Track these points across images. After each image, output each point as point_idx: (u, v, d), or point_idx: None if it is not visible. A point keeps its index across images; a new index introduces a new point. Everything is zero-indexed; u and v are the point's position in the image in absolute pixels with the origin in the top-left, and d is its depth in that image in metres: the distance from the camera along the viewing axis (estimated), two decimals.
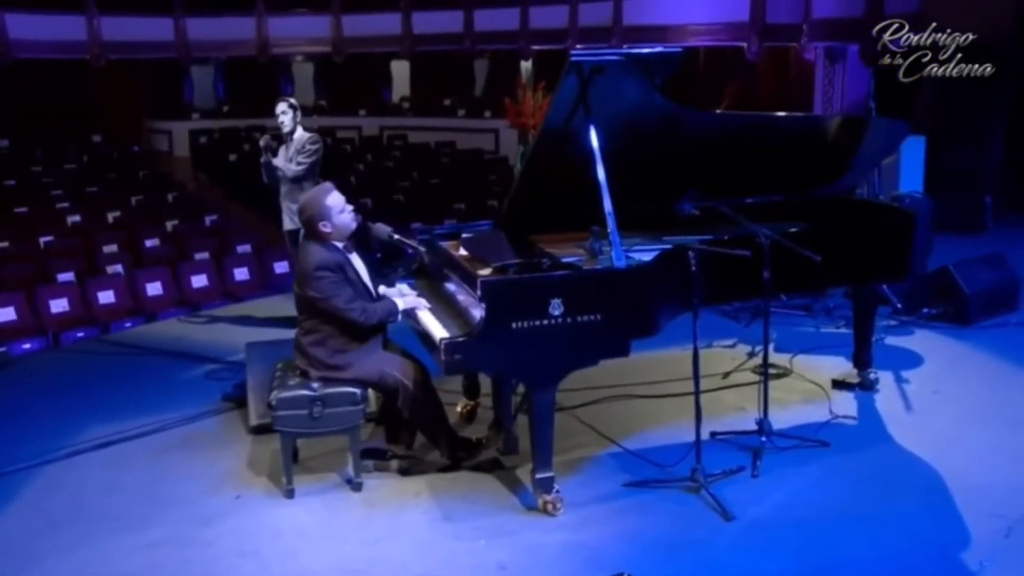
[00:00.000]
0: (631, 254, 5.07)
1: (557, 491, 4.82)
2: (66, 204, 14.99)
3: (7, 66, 16.07)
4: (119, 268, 11.56)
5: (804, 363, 6.89)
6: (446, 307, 5.25)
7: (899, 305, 8.01)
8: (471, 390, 6.06)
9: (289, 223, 7.72)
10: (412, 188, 17.33)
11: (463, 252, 5.42)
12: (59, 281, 10.94)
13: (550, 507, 4.78)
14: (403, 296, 5.25)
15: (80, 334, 9.76)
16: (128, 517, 4.97)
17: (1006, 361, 6.99)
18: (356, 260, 5.11)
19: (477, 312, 4.67)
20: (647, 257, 5.02)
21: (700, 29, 16.37)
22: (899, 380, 6.59)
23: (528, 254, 5.17)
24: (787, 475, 5.18)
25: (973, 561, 4.34)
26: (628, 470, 5.26)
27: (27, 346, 9.42)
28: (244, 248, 12.76)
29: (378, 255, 7.76)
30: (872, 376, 6.42)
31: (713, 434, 5.58)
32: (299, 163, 7.63)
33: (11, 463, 5.66)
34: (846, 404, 6.16)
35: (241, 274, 11.80)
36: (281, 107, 7.78)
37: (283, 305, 8.12)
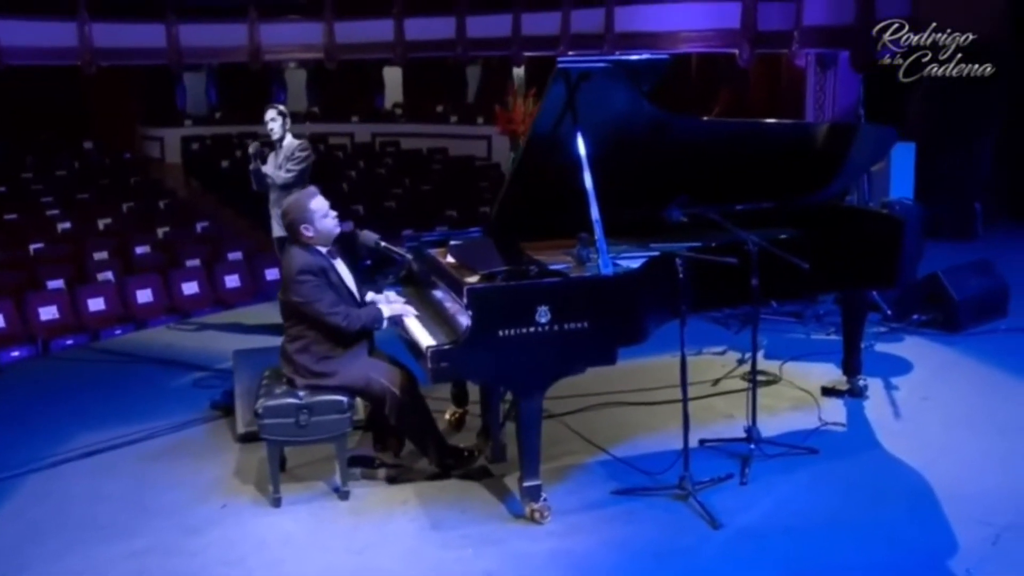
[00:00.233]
0: (618, 261, 5.06)
1: (545, 499, 4.80)
2: (56, 211, 14.94)
3: None
4: (109, 275, 11.52)
5: (794, 370, 6.89)
6: (434, 315, 5.24)
7: (889, 311, 8.02)
8: (459, 397, 6.05)
9: (278, 230, 7.69)
10: (404, 195, 17.31)
11: (451, 259, 5.40)
12: (49, 288, 10.89)
13: (537, 515, 4.76)
14: (390, 303, 5.23)
15: (69, 341, 9.73)
16: (114, 526, 4.95)
17: (995, 367, 6.99)
18: (340, 265, 5.09)
19: (464, 320, 4.65)
20: (635, 264, 5.01)
21: (692, 36, 16.38)
22: (889, 387, 6.59)
23: (516, 261, 5.16)
24: (776, 482, 5.17)
25: (960, 569, 4.33)
26: (616, 478, 5.24)
27: (16, 354, 9.36)
28: (235, 255, 12.72)
29: (368, 262, 7.75)
30: (861, 383, 6.41)
31: (702, 441, 5.57)
32: (288, 170, 7.62)
33: None
34: (835, 411, 6.15)
35: (232, 281, 11.76)
36: (270, 114, 7.77)
37: (273, 312, 8.07)
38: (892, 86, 11.15)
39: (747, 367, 6.58)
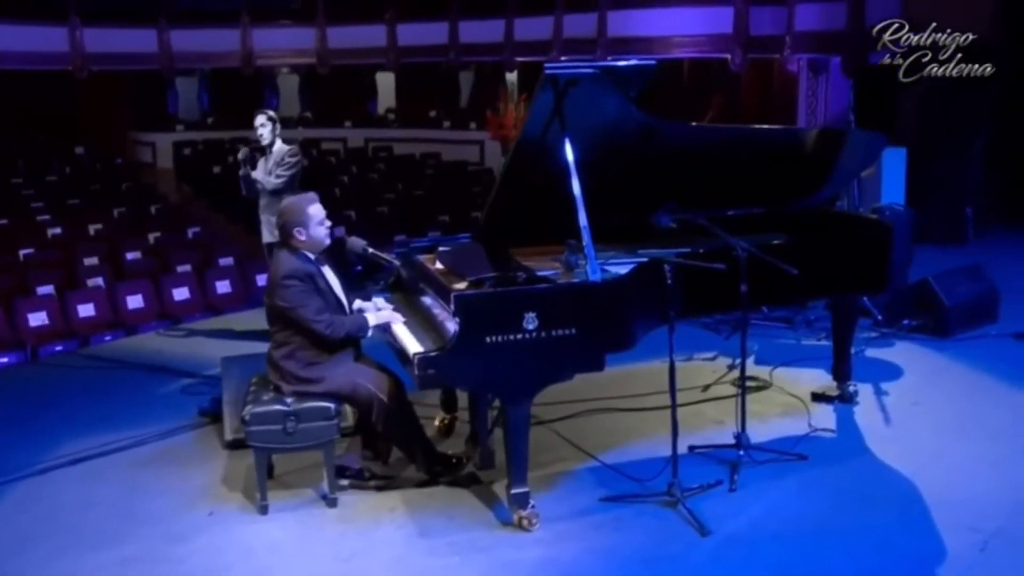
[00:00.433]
0: (607, 267, 5.04)
1: (533, 506, 4.79)
2: (47, 216, 14.90)
3: None
4: (99, 281, 11.47)
5: (784, 376, 6.89)
6: (422, 321, 5.22)
7: (879, 317, 8.02)
8: (449, 404, 6.03)
9: (268, 236, 7.68)
10: (397, 200, 17.29)
11: (439, 265, 5.39)
12: (38, 294, 10.84)
13: (525, 523, 4.75)
14: (378, 310, 5.21)
15: (59, 348, 9.68)
16: (102, 533, 4.93)
17: (986, 373, 6.99)
18: (328, 272, 5.07)
19: (451, 326, 4.64)
20: (623, 270, 5.00)
21: (684, 41, 16.44)
22: (879, 392, 6.59)
23: (505, 267, 5.15)
24: (765, 489, 5.16)
25: (948, 575, 4.33)
26: (605, 484, 5.23)
27: (4, 360, 9.33)
28: (227, 261, 12.68)
29: (359, 268, 7.74)
30: (852, 389, 6.41)
31: (691, 448, 5.56)
32: (278, 176, 7.60)
33: None
34: (825, 417, 6.15)
35: (223, 287, 11.71)
36: (260, 119, 7.75)
37: (263, 318, 8.09)
38: (883, 91, 11.18)
39: (737, 373, 6.58)
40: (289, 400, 4.95)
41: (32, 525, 5.06)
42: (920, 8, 11.80)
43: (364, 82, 23.54)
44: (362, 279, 7.00)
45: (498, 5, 18.68)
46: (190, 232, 14.68)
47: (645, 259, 5.09)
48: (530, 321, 4.57)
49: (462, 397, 5.96)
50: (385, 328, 5.15)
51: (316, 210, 4.99)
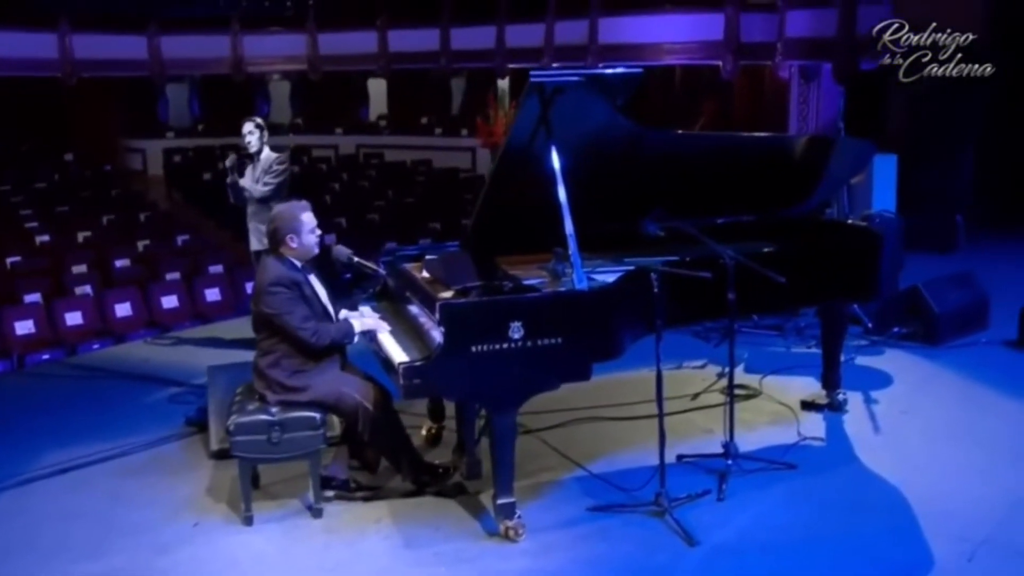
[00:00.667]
0: (593, 276, 5.02)
1: (519, 516, 4.75)
2: (35, 223, 14.86)
3: None
4: (88, 289, 11.43)
5: (774, 384, 6.86)
6: (408, 330, 5.19)
7: (869, 324, 8.01)
8: (436, 413, 5.99)
9: (256, 244, 7.64)
10: (387, 207, 17.27)
11: (425, 274, 5.36)
12: (25, 302, 10.79)
13: (512, 533, 4.71)
14: (363, 319, 5.18)
15: (46, 356, 9.63)
16: (85, 545, 4.88)
17: (975, 380, 6.97)
18: (315, 280, 5.04)
19: (436, 335, 4.61)
20: (609, 279, 4.98)
21: (675, 48, 16.45)
22: (868, 400, 6.56)
23: (491, 276, 5.11)
24: (753, 498, 5.13)
25: None
26: (592, 494, 5.19)
27: None
28: (216, 268, 12.64)
29: (347, 276, 7.70)
30: (841, 397, 6.38)
31: (680, 457, 5.53)
32: (266, 183, 7.56)
33: None
34: (815, 425, 6.12)
35: (212, 295, 11.67)
36: (248, 127, 7.72)
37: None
38: (874, 98, 11.17)
39: (726, 381, 6.56)
40: (274, 410, 4.91)
41: (15, 536, 5.01)
42: (912, 13, 11.82)
43: (355, 89, 23.53)
44: (351, 287, 6.96)
45: (489, 12, 18.68)
46: (179, 240, 14.65)
47: (632, 267, 5.06)
48: (516, 330, 4.54)
49: (449, 406, 5.92)
50: (372, 337, 5.11)
51: (309, 217, 4.97)
